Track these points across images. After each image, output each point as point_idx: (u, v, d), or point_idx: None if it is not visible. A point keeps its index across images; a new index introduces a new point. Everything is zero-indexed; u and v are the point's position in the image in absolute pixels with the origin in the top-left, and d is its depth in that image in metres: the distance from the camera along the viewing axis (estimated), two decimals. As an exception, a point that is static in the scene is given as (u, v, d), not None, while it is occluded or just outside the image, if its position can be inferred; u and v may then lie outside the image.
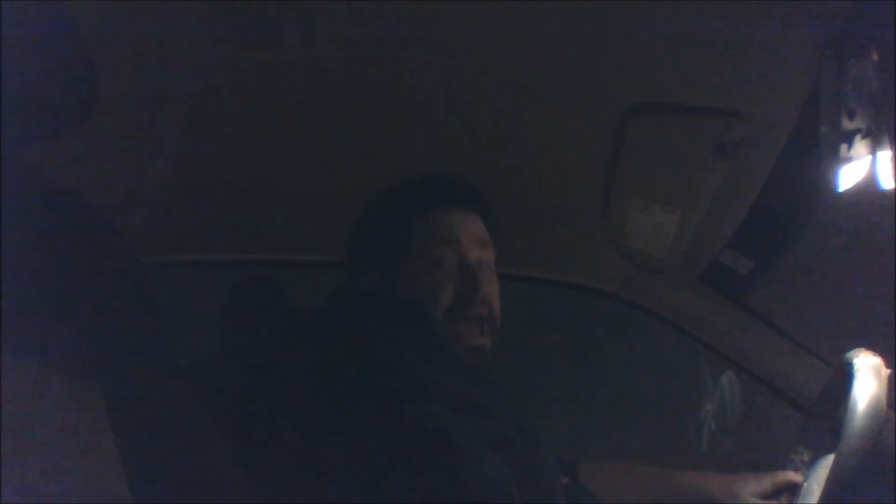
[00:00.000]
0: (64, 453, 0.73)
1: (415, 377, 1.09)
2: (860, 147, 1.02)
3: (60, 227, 0.88)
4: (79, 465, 0.72)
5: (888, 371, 1.05)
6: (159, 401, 0.92)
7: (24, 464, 0.69)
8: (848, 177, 1.06)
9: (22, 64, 0.80)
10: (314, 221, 1.55)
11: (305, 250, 1.69)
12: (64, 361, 0.79)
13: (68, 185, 0.93)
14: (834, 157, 1.05)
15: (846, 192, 1.09)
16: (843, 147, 1.03)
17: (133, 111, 1.19)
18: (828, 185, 1.09)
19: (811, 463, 1.23)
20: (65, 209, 0.91)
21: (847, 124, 1.01)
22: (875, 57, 0.96)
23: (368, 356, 1.11)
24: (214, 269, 1.74)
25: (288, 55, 1.08)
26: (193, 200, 1.45)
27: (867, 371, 1.05)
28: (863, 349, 1.12)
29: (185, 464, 0.90)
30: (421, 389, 1.07)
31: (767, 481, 1.29)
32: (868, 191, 1.05)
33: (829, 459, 1.04)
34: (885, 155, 1.00)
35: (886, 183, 1.02)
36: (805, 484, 1.18)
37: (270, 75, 1.13)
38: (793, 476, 1.27)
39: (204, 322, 1.31)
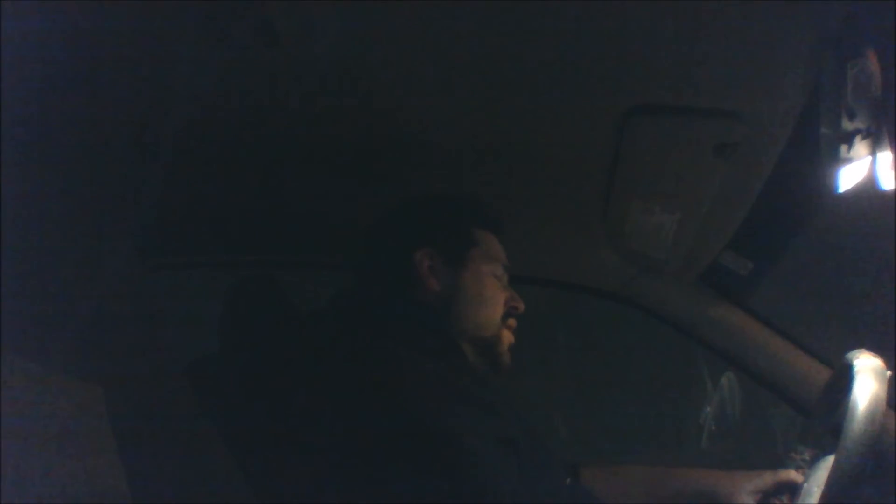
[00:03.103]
0: (64, 453, 0.73)
1: (423, 377, 1.09)
2: (860, 148, 1.02)
3: (60, 227, 0.88)
4: (79, 465, 0.73)
5: (888, 372, 1.06)
6: (159, 401, 0.92)
7: (24, 464, 0.69)
8: (848, 177, 1.06)
9: (22, 64, 0.80)
10: (315, 222, 1.55)
11: (306, 251, 1.69)
12: (64, 361, 0.79)
13: (68, 186, 0.93)
14: (834, 158, 1.05)
15: (846, 193, 1.09)
16: (843, 148, 1.03)
17: (132, 111, 1.19)
18: (828, 185, 1.09)
19: (812, 462, 1.23)
20: (64, 210, 0.91)
21: (847, 125, 1.01)
22: (874, 57, 0.96)
23: (377, 355, 1.12)
24: (215, 270, 1.74)
25: (288, 55, 1.08)
26: (194, 201, 1.45)
27: (867, 372, 1.05)
28: (863, 350, 1.12)
29: (184, 464, 0.90)
30: (428, 389, 1.08)
31: (768, 479, 1.29)
32: (868, 191, 1.05)
33: (829, 460, 1.04)
34: (885, 155, 1.00)
35: (886, 183, 1.02)
36: (805, 485, 1.18)
37: (270, 75, 1.13)
38: (793, 475, 1.27)
39: (204, 323, 1.31)
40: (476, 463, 1.02)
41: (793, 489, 1.25)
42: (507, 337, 1.26)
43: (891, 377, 1.05)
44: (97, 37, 0.94)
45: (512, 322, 1.28)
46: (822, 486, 1.01)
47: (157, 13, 0.99)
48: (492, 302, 1.26)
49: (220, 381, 1.21)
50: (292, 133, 1.30)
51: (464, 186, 1.42)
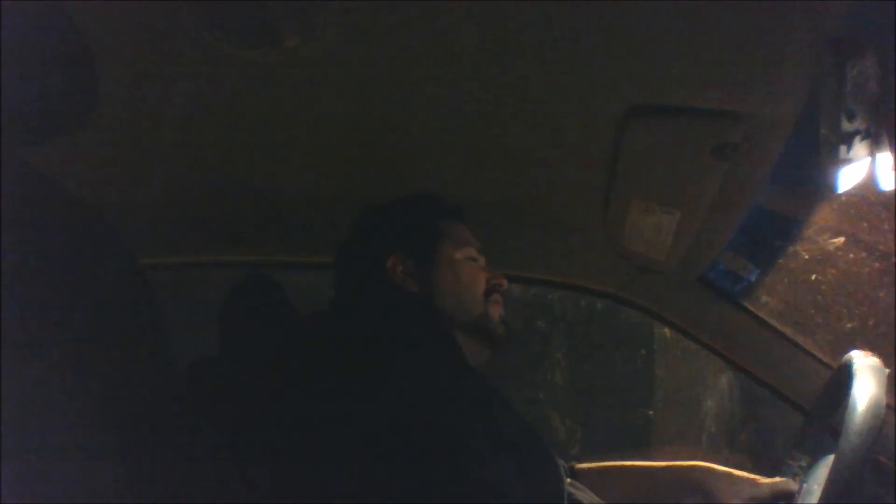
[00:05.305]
0: (64, 453, 0.72)
1: (422, 377, 1.09)
2: (860, 148, 1.02)
3: (60, 227, 0.88)
4: (79, 465, 0.72)
5: (888, 371, 1.06)
6: (159, 401, 0.92)
7: (24, 464, 0.69)
8: (847, 178, 1.06)
9: (22, 64, 0.80)
10: (314, 223, 1.55)
11: (306, 252, 1.69)
12: (64, 361, 0.79)
13: (68, 186, 0.93)
14: (833, 159, 1.05)
15: (846, 194, 1.09)
16: (843, 148, 1.03)
17: (133, 111, 1.19)
18: (827, 186, 1.09)
19: (809, 468, 1.23)
20: (64, 210, 0.91)
21: (846, 126, 1.01)
22: (874, 57, 0.96)
23: (377, 357, 1.12)
24: (214, 270, 1.74)
25: (288, 55, 1.08)
26: (193, 201, 1.45)
27: (866, 372, 1.05)
28: (862, 350, 1.12)
29: (184, 465, 0.90)
30: (429, 390, 1.08)
31: (765, 489, 1.29)
32: (868, 192, 1.05)
33: (829, 460, 1.04)
34: (884, 156, 1.00)
35: (886, 184, 1.02)
36: (805, 485, 1.18)
37: (270, 75, 1.13)
38: (791, 484, 1.27)
39: (204, 323, 1.31)
40: (476, 463, 1.02)
41: (789, 498, 1.25)
42: (496, 311, 1.28)
43: (890, 376, 1.05)
44: (98, 36, 0.94)
45: (497, 297, 1.29)
46: (822, 486, 1.01)
47: (157, 12, 0.99)
48: (470, 283, 1.28)
49: (219, 382, 1.21)
50: (292, 132, 1.30)
51: (463, 187, 1.42)
